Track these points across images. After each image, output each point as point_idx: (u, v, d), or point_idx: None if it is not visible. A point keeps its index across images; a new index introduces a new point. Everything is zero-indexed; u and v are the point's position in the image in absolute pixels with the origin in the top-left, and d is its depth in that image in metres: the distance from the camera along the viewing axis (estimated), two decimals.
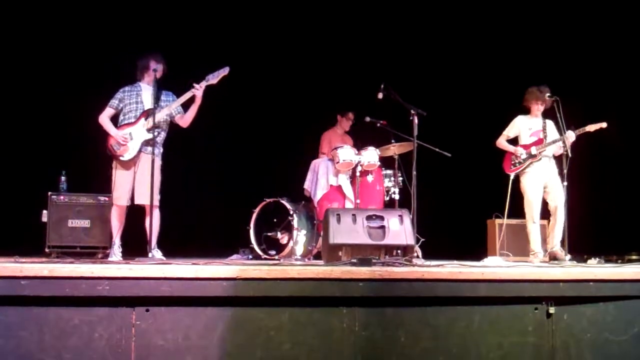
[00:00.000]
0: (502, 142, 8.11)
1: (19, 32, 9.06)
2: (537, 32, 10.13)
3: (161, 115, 6.78)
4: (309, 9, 10.09)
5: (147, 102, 6.84)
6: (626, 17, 9.66)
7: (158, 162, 6.79)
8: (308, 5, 10.05)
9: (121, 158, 6.74)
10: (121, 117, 6.91)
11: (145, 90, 6.91)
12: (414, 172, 7.38)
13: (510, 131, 8.12)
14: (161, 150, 6.95)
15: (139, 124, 6.76)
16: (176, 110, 6.93)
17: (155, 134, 6.75)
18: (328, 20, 10.20)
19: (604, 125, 7.63)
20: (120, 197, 6.79)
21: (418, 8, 10.37)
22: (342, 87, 9.97)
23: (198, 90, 6.72)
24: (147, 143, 6.72)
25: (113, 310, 4.46)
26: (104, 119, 6.89)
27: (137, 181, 6.72)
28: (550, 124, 7.90)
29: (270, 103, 10.13)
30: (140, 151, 6.73)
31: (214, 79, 6.77)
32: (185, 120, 6.97)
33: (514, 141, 8.10)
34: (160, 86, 6.93)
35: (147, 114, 6.75)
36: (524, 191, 7.88)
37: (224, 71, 6.81)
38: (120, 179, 6.78)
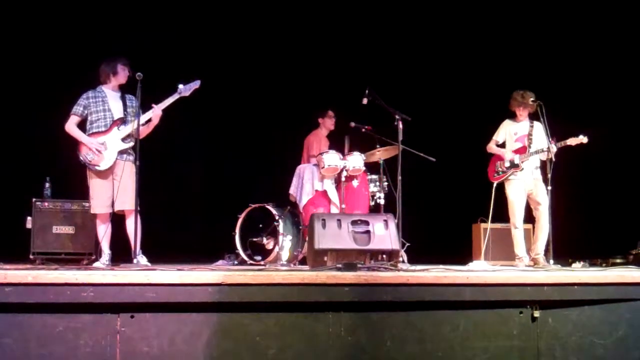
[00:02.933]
0: (491, 147, 8.15)
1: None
2: (523, 36, 10.18)
3: (130, 129, 6.64)
4: (294, 14, 10.11)
5: (115, 110, 6.73)
6: (612, 25, 9.75)
7: (134, 168, 6.70)
8: (293, 10, 10.07)
9: (97, 168, 6.61)
10: (88, 125, 6.74)
11: (111, 97, 6.78)
12: (399, 177, 7.37)
13: (498, 136, 8.16)
14: (135, 155, 6.77)
15: (112, 132, 6.64)
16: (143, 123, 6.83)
17: (131, 144, 6.67)
18: (312, 26, 10.22)
19: (584, 140, 7.61)
20: (99, 205, 6.67)
21: (402, 13, 10.40)
22: (324, 91, 9.97)
23: (156, 111, 6.68)
24: (123, 151, 6.64)
25: (98, 316, 4.44)
26: (72, 127, 6.71)
27: (116, 188, 6.63)
28: (537, 127, 7.87)
29: (254, 108, 10.12)
30: (116, 159, 6.62)
31: (185, 92, 6.74)
32: (140, 133, 6.77)
33: (503, 146, 8.13)
34: (124, 91, 6.87)
35: (120, 122, 6.66)
36: (508, 197, 7.92)
37: (196, 84, 6.79)
38: (99, 188, 6.66)
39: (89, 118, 6.75)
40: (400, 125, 7.51)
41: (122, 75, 6.80)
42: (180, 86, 6.74)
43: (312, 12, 10.16)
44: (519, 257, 7.83)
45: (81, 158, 6.64)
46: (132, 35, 9.17)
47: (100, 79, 6.88)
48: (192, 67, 9.11)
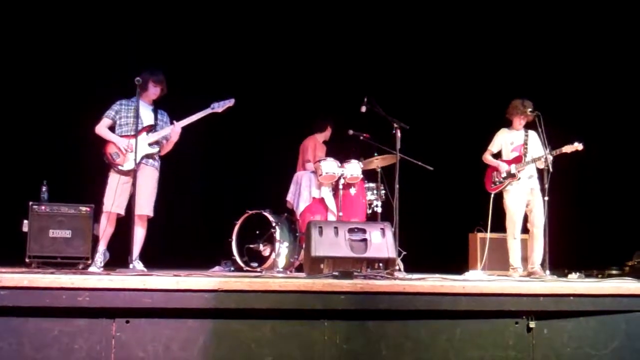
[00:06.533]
0: (486, 157, 8.12)
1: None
2: (521, 45, 10.19)
3: (157, 136, 6.83)
4: (292, 21, 10.12)
5: (145, 118, 6.83)
6: (609, 35, 9.78)
7: (157, 174, 6.90)
8: (292, 17, 10.08)
9: (119, 167, 6.67)
10: (117, 129, 6.83)
11: (143, 108, 6.83)
12: (397, 185, 7.39)
13: (493, 146, 8.13)
14: (159, 162, 6.98)
15: (140, 137, 6.66)
16: (167, 136, 6.95)
17: (156, 149, 6.84)
18: (311, 34, 10.21)
19: (579, 147, 7.62)
20: (111, 204, 6.68)
21: (401, 22, 10.42)
22: (322, 99, 9.97)
23: (175, 128, 6.83)
24: (147, 156, 6.74)
25: (93, 321, 4.44)
26: (102, 128, 6.82)
27: (135, 192, 6.64)
28: (533, 136, 7.88)
29: (252, 115, 10.10)
30: (140, 163, 6.62)
31: (219, 108, 6.89)
32: (163, 149, 7.01)
33: (498, 156, 8.12)
34: (157, 105, 7.00)
35: (149, 129, 6.78)
36: (506, 207, 7.89)
37: (230, 102, 6.93)
38: (114, 186, 6.68)
39: (118, 122, 6.86)
40: (398, 134, 7.54)
41: (152, 91, 6.93)
42: (215, 104, 6.90)
43: (311, 19, 10.17)
44: (513, 267, 7.84)
45: (107, 156, 6.72)
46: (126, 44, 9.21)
47: (135, 90, 6.94)
48: (192, 74, 9.16)
